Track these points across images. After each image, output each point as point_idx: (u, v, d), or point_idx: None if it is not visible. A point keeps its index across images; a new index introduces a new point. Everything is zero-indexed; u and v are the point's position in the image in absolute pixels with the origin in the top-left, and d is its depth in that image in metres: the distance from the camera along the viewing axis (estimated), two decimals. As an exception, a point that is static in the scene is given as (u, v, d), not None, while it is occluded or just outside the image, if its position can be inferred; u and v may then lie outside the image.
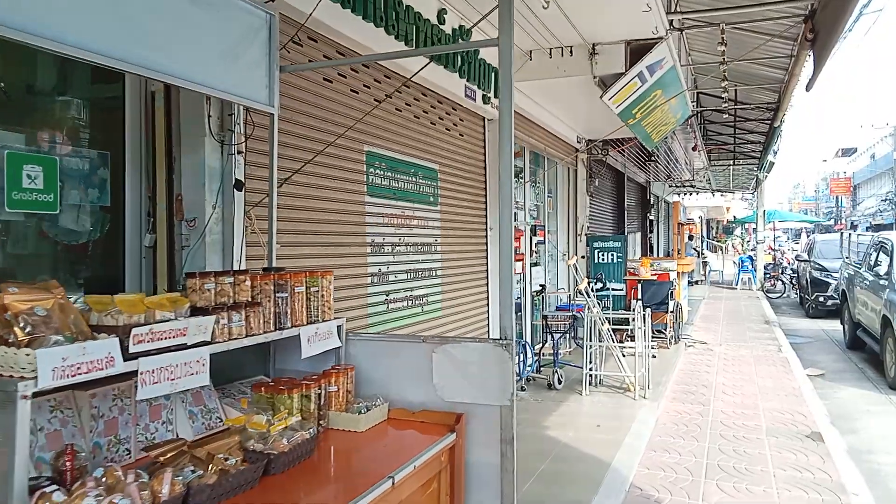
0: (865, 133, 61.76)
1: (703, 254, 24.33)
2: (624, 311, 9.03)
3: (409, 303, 5.20)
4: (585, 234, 10.92)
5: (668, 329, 9.76)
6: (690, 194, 25.99)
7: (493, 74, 6.47)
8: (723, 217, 40.08)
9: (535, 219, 9.69)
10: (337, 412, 2.51)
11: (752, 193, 25.64)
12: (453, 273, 6.10)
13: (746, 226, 48.21)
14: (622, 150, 11.75)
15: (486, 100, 6.36)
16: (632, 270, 10.42)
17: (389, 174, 4.92)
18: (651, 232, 20.39)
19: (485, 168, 6.88)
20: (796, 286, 20.03)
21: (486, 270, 6.90)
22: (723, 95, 8.46)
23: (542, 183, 9.86)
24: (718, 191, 25.56)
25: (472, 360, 2.66)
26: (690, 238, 24.59)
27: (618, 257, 10.59)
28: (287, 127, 3.69)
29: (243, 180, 2.99)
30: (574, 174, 10.95)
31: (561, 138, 9.89)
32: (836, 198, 68.16)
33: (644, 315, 7.00)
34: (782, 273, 21.38)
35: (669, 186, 20.36)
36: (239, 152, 3.01)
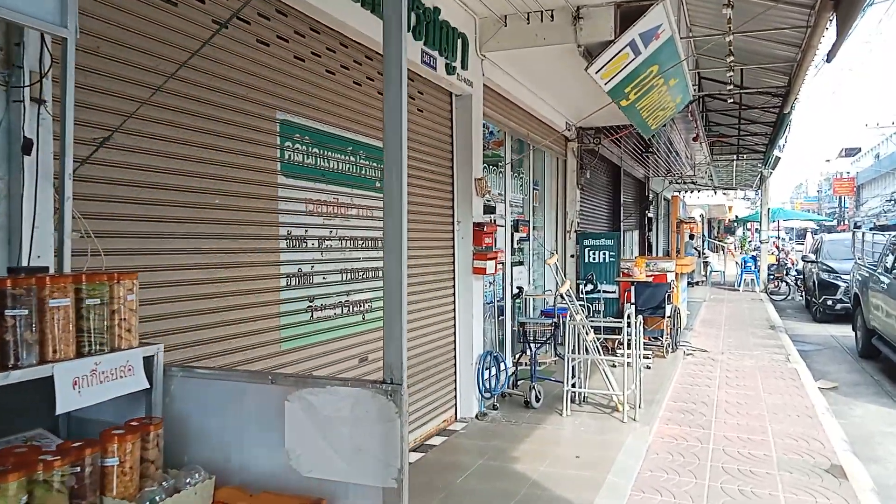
0: (870, 133, 60.88)
1: (703, 253, 23.37)
2: (613, 319, 8.12)
3: (345, 310, 4.26)
4: (575, 231, 9.98)
5: (664, 336, 8.82)
6: (691, 191, 25.02)
7: (458, 40, 5.52)
8: (725, 216, 39.14)
9: (519, 213, 8.75)
10: (117, 501, 1.57)
11: (756, 192, 24.69)
12: (410, 274, 5.15)
13: (749, 225, 47.28)
14: (617, 138, 10.81)
15: (450, 70, 5.42)
16: (625, 271, 9.47)
17: (317, 151, 3.97)
18: (650, 230, 19.44)
19: (452, 152, 5.94)
20: (801, 288, 19.09)
21: (454, 271, 5.96)
22: (728, 77, 7.52)
23: (526, 173, 8.92)
24: (720, 188, 24.60)
25: (341, 415, 1.73)
26: (691, 237, 23.63)
27: (610, 256, 9.64)
28: (120, 70, 2.76)
29: (35, 140, 2.05)
30: (563, 165, 10.01)
31: (547, 124, 8.95)
32: (840, 198, 67.30)
33: (636, 323, 6.06)
34: (786, 274, 20.43)
35: (669, 183, 19.41)
36: (35, 99, 2.07)
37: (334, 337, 4.14)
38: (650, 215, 18.88)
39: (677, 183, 20.46)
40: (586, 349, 6.14)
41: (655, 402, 6.41)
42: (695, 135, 11.55)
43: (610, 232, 10.46)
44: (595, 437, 5.39)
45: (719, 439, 5.57)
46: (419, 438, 5.24)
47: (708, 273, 22.52)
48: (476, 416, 5.92)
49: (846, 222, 56.49)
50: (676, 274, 10.03)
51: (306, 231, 3.84)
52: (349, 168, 4.32)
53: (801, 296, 18.97)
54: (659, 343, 9.08)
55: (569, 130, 9.69)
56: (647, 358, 8.55)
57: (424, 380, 5.39)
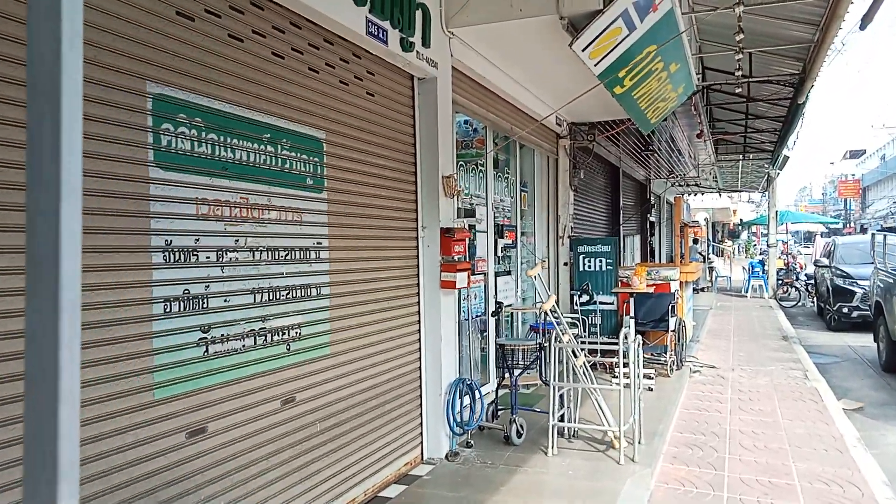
0: (875, 134, 60.09)
1: (708, 258, 22.43)
2: (608, 341, 7.25)
3: (260, 340, 3.36)
4: (569, 237, 9.08)
5: (668, 352, 7.90)
6: (695, 194, 24.11)
7: (417, 11, 4.64)
8: (729, 220, 38.24)
9: (505, 217, 7.87)
10: None
11: (763, 194, 23.76)
12: (356, 292, 4.27)
13: (754, 228, 46.29)
14: (614, 135, 9.92)
15: (406, 46, 4.53)
16: (624, 280, 8.57)
17: (214, 137, 3.09)
18: (651, 235, 18.52)
19: (415, 145, 5.06)
20: (813, 294, 18.14)
21: (419, 285, 5.07)
22: (736, 62, 6.62)
23: (513, 174, 8.04)
24: (725, 190, 23.69)
25: None
26: (695, 241, 22.70)
27: (607, 264, 8.73)
28: None
29: None
30: (554, 164, 9.12)
31: (535, 118, 8.06)
32: (845, 200, 66.38)
33: (636, 343, 5.15)
34: (796, 279, 19.47)
35: (672, 185, 18.51)
36: None
37: (244, 376, 3.24)
38: (652, 219, 17.97)
39: (680, 185, 19.56)
40: (576, 374, 5.23)
41: (658, 435, 5.49)
42: (699, 131, 10.67)
43: (607, 237, 9.55)
44: (586, 484, 4.47)
45: (735, 484, 4.64)
46: (370, 490, 4.33)
47: (713, 279, 21.58)
48: (446, 457, 5.01)
49: (852, 225, 55.54)
50: (681, 282, 9.11)
51: (197, 240, 2.95)
52: (266, 160, 3.44)
53: (813, 302, 18.02)
54: (662, 360, 8.16)
55: (560, 126, 8.81)
56: (650, 378, 7.63)
57: (380, 416, 4.48)
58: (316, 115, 3.85)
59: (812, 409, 6.79)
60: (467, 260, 5.47)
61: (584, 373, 5.21)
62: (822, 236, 25.80)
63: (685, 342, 8.68)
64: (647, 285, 8.10)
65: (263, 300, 3.38)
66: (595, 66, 5.32)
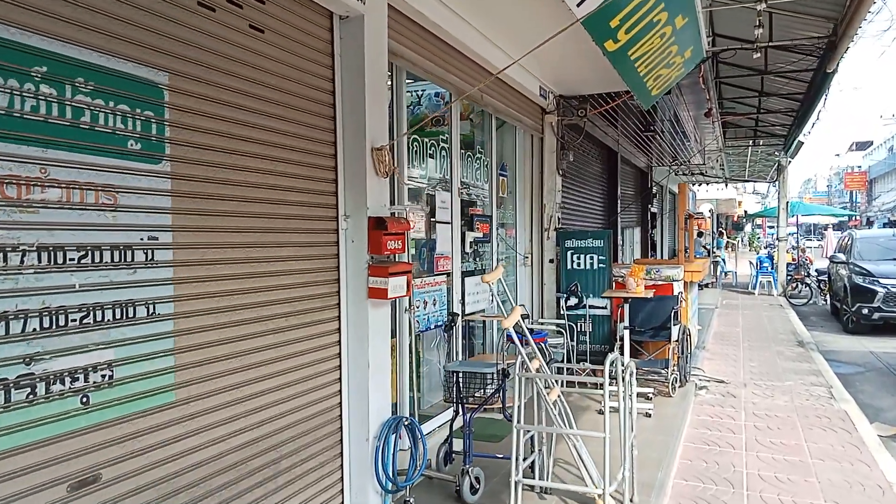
0: (883, 125, 58.71)
1: (714, 252, 21.14)
2: (591, 367, 6.06)
3: (29, 392, 2.10)
4: (556, 229, 7.81)
5: (670, 367, 6.65)
6: (699, 184, 22.80)
7: (326, -85, 3.35)
8: (733, 212, 36.94)
9: (478, 206, 6.61)
10: None
11: (772, 183, 22.43)
12: (229, 308, 3.02)
13: (760, 221, 44.99)
14: (611, 112, 8.63)
15: (310, -37, 3.25)
16: (619, 281, 7.30)
17: None
18: (653, 227, 17.25)
19: (334, 106, 3.79)
20: (825, 291, 16.88)
21: (339, 294, 3.81)
22: (757, 12, 5.33)
23: (487, 153, 6.77)
24: (732, 180, 22.37)
25: None
26: (700, 234, 21.42)
27: (599, 262, 7.47)
28: None
29: None
30: (539, 144, 7.84)
31: (515, 87, 6.78)
32: (851, 193, 65.03)
33: (627, 370, 3.88)
34: (807, 275, 18.19)
35: (675, 173, 17.20)
36: None
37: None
38: (653, 210, 16.70)
39: (684, 174, 18.26)
40: (551, 412, 3.97)
41: (656, 488, 4.24)
42: (707, 109, 9.37)
43: (599, 230, 8.28)
44: (555, 573, 3.22)
45: (761, 570, 3.40)
46: (251, 587, 3.09)
47: (718, 274, 20.30)
48: (375, 522, 3.77)
49: (858, 217, 54.29)
50: (685, 283, 7.85)
51: None
52: (40, 109, 2.17)
53: (825, 300, 16.77)
54: (663, 377, 6.91)
55: (545, 99, 7.52)
56: (648, 399, 6.39)
57: (272, 478, 3.24)
58: (150, 48, 2.57)
59: (845, 441, 5.54)
60: (407, 260, 4.21)
61: (560, 411, 3.95)
62: (832, 229, 24.51)
63: (689, 353, 7.43)
64: (646, 287, 6.84)
65: (28, 330, 2.12)
66: (578, 5, 4.03)
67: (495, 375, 4.06)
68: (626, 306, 6.11)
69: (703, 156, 13.74)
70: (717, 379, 7.72)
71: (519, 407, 3.77)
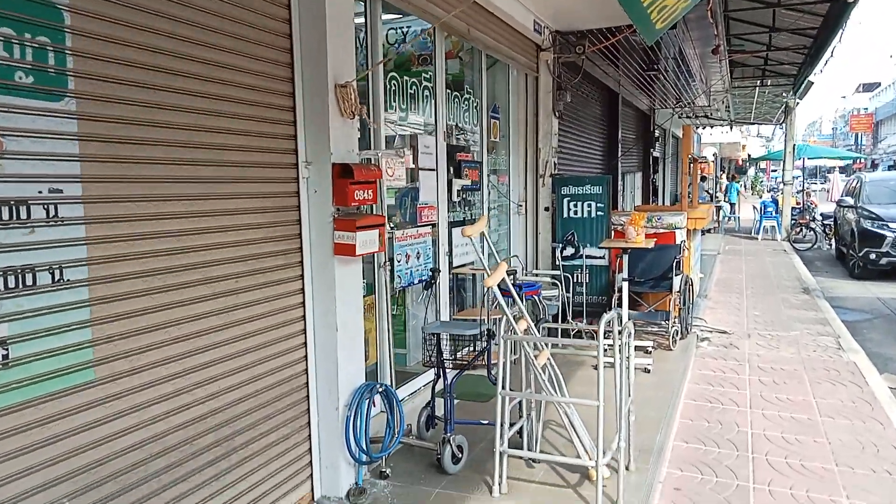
0: (893, 66, 57.27)
1: (716, 197, 20.65)
2: (586, 328, 5.71)
3: None
4: (551, 176, 7.35)
5: (671, 319, 6.30)
6: (703, 127, 22.14)
7: None
8: (737, 155, 36.25)
9: (467, 151, 6.15)
10: None
11: (778, 126, 21.74)
12: (166, 270, 2.64)
13: (764, 164, 44.25)
14: (611, 49, 8.06)
15: None
16: (618, 229, 6.90)
17: None
18: (655, 172, 16.74)
19: (290, 36, 3.31)
20: (830, 236, 16.47)
21: (301, 251, 3.41)
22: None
23: (477, 94, 6.27)
24: (737, 123, 21.68)
25: None
26: (703, 179, 20.91)
27: (598, 209, 7.04)
28: None
29: None
30: (534, 84, 7.31)
31: (506, 21, 6.23)
32: (856, 135, 63.90)
33: (625, 331, 3.51)
34: (812, 220, 17.74)
35: (679, 116, 16.57)
36: None
37: None
38: (656, 154, 16.16)
39: (688, 117, 17.64)
40: (550, 372, 3.62)
41: (655, 452, 3.93)
42: (715, 46, 8.77)
43: (598, 176, 7.81)
44: (541, 555, 2.92)
45: (768, 546, 3.11)
46: (203, 576, 2.80)
47: (721, 219, 19.84)
48: (348, 495, 3.47)
49: (863, 160, 53.42)
50: (688, 230, 7.44)
51: None
52: None
53: (830, 245, 16.39)
54: (663, 329, 6.57)
55: (540, 35, 6.96)
56: (648, 353, 6.07)
57: (226, 456, 2.92)
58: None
59: (856, 396, 5.23)
60: (381, 212, 3.80)
61: (550, 375, 3.60)
62: (841, 172, 23.91)
63: (691, 304, 7.08)
64: (647, 235, 6.43)
65: None
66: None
67: (479, 336, 3.69)
68: (625, 256, 5.72)
69: (708, 97, 13.13)
70: (719, 329, 7.39)
71: (504, 372, 3.41)
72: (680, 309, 6.50)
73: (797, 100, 16.76)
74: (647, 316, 6.57)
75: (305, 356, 3.44)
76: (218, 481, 2.87)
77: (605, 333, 3.22)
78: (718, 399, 5.16)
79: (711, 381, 5.60)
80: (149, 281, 2.53)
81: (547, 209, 7.32)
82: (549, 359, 3.54)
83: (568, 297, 6.68)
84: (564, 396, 3.61)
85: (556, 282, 6.44)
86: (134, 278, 2.47)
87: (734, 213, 21.24)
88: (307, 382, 3.45)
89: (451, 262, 5.69)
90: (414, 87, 5.07)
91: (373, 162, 3.86)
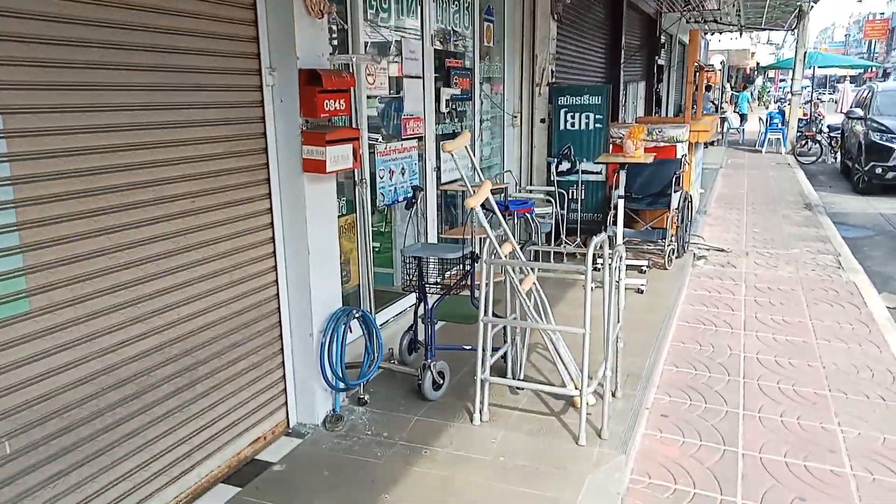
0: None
1: (722, 108, 19.99)
2: (574, 250, 5.49)
3: None
4: (548, 85, 6.94)
5: (668, 238, 6.08)
6: (712, 33, 21.14)
7: None
8: (745, 64, 35.05)
9: (457, 57, 5.74)
10: None
11: (791, 31, 20.74)
12: (110, 189, 2.39)
13: (773, 73, 42.88)
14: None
15: None
16: (617, 143, 6.56)
17: None
18: (660, 81, 16.07)
19: (247, -79, 2.90)
20: (836, 149, 16.04)
21: (267, 168, 3.14)
22: None
23: (468, -6, 5.78)
24: (747, 28, 20.67)
25: None
26: (708, 88, 20.17)
27: (596, 121, 6.68)
28: None
29: None
30: (531, -17, 6.76)
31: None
32: (869, 43, 61.67)
33: (615, 254, 3.29)
34: (818, 132, 17.23)
35: (687, 21, 15.72)
36: None
37: None
38: (661, 62, 15.45)
39: (696, 22, 16.74)
40: (538, 301, 3.43)
41: (643, 378, 3.81)
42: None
43: (597, 85, 7.38)
44: (523, 488, 2.82)
45: (755, 473, 3.01)
46: (184, 497, 2.70)
47: (725, 131, 19.30)
48: (324, 423, 3.36)
49: (874, 69, 51.82)
50: (690, 144, 7.11)
51: None
52: None
53: (836, 158, 15.98)
54: (660, 248, 6.37)
55: (539, -74, 6.36)
56: (642, 272, 5.89)
57: (191, 385, 2.76)
58: None
59: (854, 319, 5.09)
60: (356, 125, 3.50)
61: (537, 301, 3.41)
62: (850, 82, 23.08)
63: (689, 221, 6.84)
64: (647, 149, 6.12)
65: None
66: None
67: (462, 259, 3.48)
68: (622, 172, 5.44)
69: (718, 1, 12.36)
70: (717, 248, 7.20)
71: (486, 298, 3.22)
72: (677, 227, 6.27)
73: (811, 2, 15.87)
74: (644, 234, 6.35)
75: (276, 280, 3.23)
76: (182, 412, 2.73)
77: (594, 257, 3.00)
78: (712, 321, 5.02)
79: (706, 302, 5.46)
80: (84, 202, 2.27)
81: (543, 121, 6.95)
82: (534, 283, 3.34)
83: (562, 215, 6.45)
84: (550, 323, 3.43)
85: (551, 198, 6.18)
86: (68, 199, 2.22)
87: (744, 125, 20.59)
88: (278, 308, 3.26)
89: (439, 178, 5.41)
90: (399, -15, 4.63)
91: (350, 68, 3.52)
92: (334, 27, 3.73)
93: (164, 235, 2.60)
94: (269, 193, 3.16)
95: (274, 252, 3.21)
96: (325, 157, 3.05)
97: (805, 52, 17.38)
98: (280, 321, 3.28)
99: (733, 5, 15.11)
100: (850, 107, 14.85)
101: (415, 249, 3.49)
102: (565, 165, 6.74)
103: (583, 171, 6.63)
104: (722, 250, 7.13)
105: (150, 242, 2.54)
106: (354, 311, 3.36)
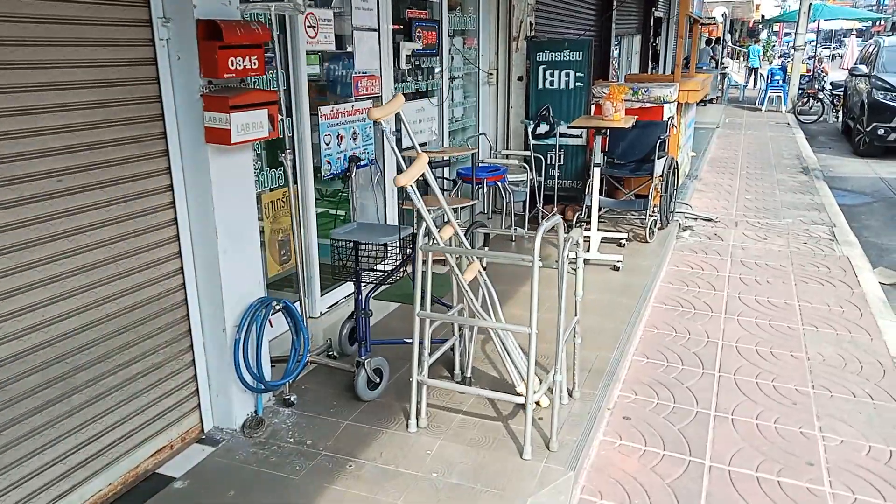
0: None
1: (722, 63, 19.22)
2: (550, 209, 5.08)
3: None
4: (526, 39, 6.38)
5: (649, 207, 5.63)
6: (715, -16, 20.20)
7: None
8: (749, 16, 33.88)
9: (420, 6, 5.20)
10: None
11: (796, -19, 19.79)
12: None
13: (777, 27, 41.68)
14: None
15: None
16: (600, 103, 6.06)
17: None
18: (657, 35, 15.35)
19: None
20: (838, 107, 15.43)
21: (165, 139, 2.68)
22: None
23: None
24: (752, -22, 19.72)
25: None
26: (708, 42, 19.38)
27: (577, 79, 6.16)
28: None
29: None
30: (508, -76, 6.14)
31: None
32: (879, -5, 59.86)
33: (568, 239, 2.86)
34: (821, 89, 16.59)
35: (687, -30, 14.87)
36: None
37: None
38: (658, 14, 14.72)
39: (698, -30, 15.89)
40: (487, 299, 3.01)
41: (606, 374, 3.43)
42: None
43: (577, 40, 6.83)
44: (452, 509, 2.47)
45: (721, 498, 2.65)
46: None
47: (725, 88, 18.61)
48: (243, 427, 2.99)
49: (882, 23, 50.50)
50: (679, 105, 6.60)
51: None
52: None
53: (837, 118, 15.40)
54: (641, 218, 5.94)
55: None
56: (621, 246, 5.48)
57: (68, 395, 2.37)
58: None
59: (844, 300, 4.70)
60: (270, 87, 3.02)
61: (484, 292, 2.99)
62: (858, 35, 22.22)
63: (675, 190, 6.39)
64: (630, 111, 5.63)
65: None
66: None
67: (401, 242, 3.05)
68: (599, 137, 4.96)
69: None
70: (705, 217, 6.77)
71: (422, 289, 2.80)
72: (661, 196, 5.82)
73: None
74: (623, 204, 5.91)
75: (181, 269, 2.81)
76: (55, 428, 2.35)
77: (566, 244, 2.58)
78: (691, 302, 4.63)
79: (687, 280, 5.05)
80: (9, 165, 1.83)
81: (521, 78, 6.43)
82: (480, 273, 2.92)
83: (540, 182, 5.99)
84: (498, 318, 3.02)
85: (526, 164, 5.72)
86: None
87: (758, 80, 19.76)
88: (185, 299, 2.85)
89: (399, 144, 4.94)
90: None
91: (267, 19, 3.02)
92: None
93: (20, 222, 2.17)
94: (169, 168, 2.71)
95: (177, 236, 2.78)
96: (230, 125, 2.58)
97: (810, 4, 16.59)
98: (188, 315, 2.87)
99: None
100: (855, 63, 14.21)
101: (344, 232, 3.05)
102: (543, 128, 6.25)
103: (561, 135, 6.14)
104: (710, 220, 6.70)
105: (13, 228, 2.11)
106: (275, 302, 2.95)
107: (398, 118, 2.91)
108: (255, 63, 2.72)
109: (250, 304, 2.93)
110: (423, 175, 2.70)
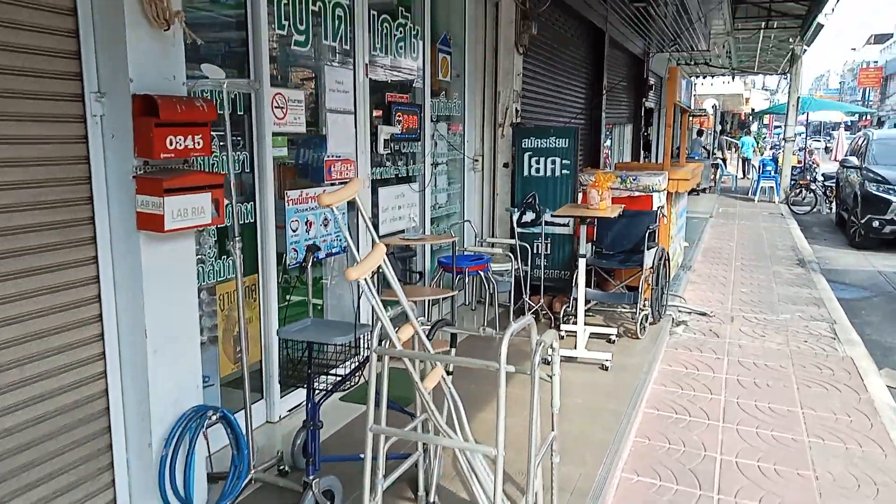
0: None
1: (714, 154, 19.45)
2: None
3: None
4: (512, 125, 6.27)
5: (640, 301, 5.33)
6: (703, 77, 20.77)
7: None
8: (740, 109, 34.82)
9: (401, 92, 5.08)
10: None
11: (784, 75, 20.40)
12: None
13: (767, 119, 42.79)
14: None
15: None
16: (586, 192, 5.87)
17: None
18: (649, 124, 15.56)
19: None
20: (831, 198, 15.44)
21: (94, 226, 2.40)
22: None
23: (419, 23, 5.15)
24: (739, 72, 20.32)
25: None
26: (700, 133, 19.70)
27: (563, 166, 6.00)
28: None
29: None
30: (493, 12, 6.14)
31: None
32: (863, 90, 62.06)
33: (540, 346, 2.53)
34: (813, 181, 16.68)
35: (677, 63, 15.28)
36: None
37: None
38: (649, 104, 14.95)
39: (686, 63, 16.33)
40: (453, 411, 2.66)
41: (591, 496, 3.02)
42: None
43: (563, 127, 6.72)
44: None
45: None
46: None
47: (718, 178, 18.72)
48: (166, 557, 2.55)
49: (868, 117, 52.09)
50: (669, 194, 6.43)
51: None
52: None
53: (830, 209, 15.38)
54: (632, 312, 5.63)
55: (504, -48, 5.77)
56: (611, 342, 5.14)
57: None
58: None
59: (852, 407, 4.33)
60: (211, 170, 2.78)
61: (450, 403, 2.64)
62: (846, 129, 22.66)
63: (668, 282, 6.11)
64: (616, 200, 5.43)
65: None
66: None
67: (356, 344, 2.72)
68: (584, 227, 4.73)
69: (707, 40, 11.88)
70: (699, 311, 6.46)
71: (376, 398, 2.45)
72: (652, 288, 5.54)
73: (804, 46, 15.47)
74: (612, 297, 5.61)
75: (104, 372, 2.47)
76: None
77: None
78: (686, 408, 4.25)
79: (681, 382, 4.69)
80: None
81: (506, 165, 6.27)
82: (443, 379, 2.58)
83: (526, 272, 5.72)
84: (461, 435, 2.65)
85: (511, 254, 5.46)
86: None
87: (748, 171, 19.91)
88: (108, 408, 2.49)
89: (376, 233, 4.67)
90: (319, 3, 3.96)
91: (216, 97, 2.81)
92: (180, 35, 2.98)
93: None
94: (96, 257, 2.41)
95: (102, 335, 2.45)
96: (164, 210, 2.31)
97: (798, 98, 16.93)
98: (110, 426, 2.50)
99: (724, 46, 14.69)
100: (846, 154, 14.31)
101: (295, 330, 2.72)
102: (530, 216, 6.04)
103: (548, 223, 5.92)
104: (704, 314, 6.39)
105: None
106: (210, 412, 2.59)
107: (353, 205, 2.64)
108: (199, 143, 2.48)
109: (182, 414, 2.57)
110: (379, 267, 2.41)
